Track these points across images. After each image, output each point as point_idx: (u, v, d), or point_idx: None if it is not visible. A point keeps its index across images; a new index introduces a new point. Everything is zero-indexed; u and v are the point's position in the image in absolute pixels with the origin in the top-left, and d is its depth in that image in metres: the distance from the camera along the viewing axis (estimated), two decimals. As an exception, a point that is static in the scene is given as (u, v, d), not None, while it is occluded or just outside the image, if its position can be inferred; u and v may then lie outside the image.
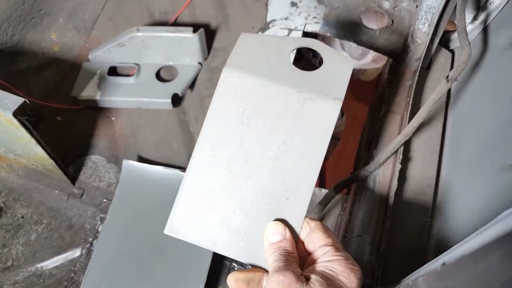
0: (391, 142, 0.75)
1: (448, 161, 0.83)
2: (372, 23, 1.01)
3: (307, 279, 0.39)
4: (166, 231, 0.46)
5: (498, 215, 0.60)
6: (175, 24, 1.13)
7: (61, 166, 0.90)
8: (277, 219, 0.45)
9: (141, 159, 0.98)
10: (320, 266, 0.40)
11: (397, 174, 0.74)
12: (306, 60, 1.36)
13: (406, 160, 0.79)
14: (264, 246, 0.44)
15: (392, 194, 0.73)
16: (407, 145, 0.80)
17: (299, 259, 0.43)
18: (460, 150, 0.81)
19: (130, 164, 0.91)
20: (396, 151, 0.75)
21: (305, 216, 0.45)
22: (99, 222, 0.92)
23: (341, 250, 0.42)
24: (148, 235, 0.87)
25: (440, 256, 0.36)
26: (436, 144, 0.83)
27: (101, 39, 1.11)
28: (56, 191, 0.95)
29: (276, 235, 0.44)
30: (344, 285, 0.39)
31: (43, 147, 0.83)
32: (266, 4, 1.06)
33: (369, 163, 0.78)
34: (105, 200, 0.94)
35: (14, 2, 0.99)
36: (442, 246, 0.70)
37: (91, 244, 0.90)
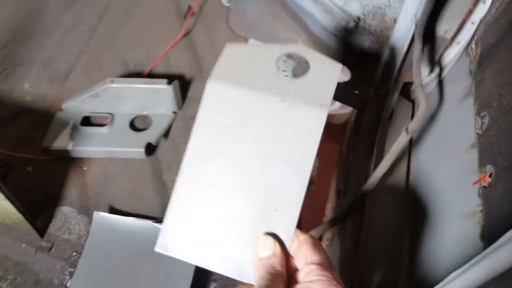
0: (358, 190, 0.78)
1: (413, 208, 0.86)
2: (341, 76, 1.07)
3: None
4: (156, 249, 0.45)
5: (458, 262, 0.62)
6: (150, 75, 1.16)
7: (29, 220, 0.88)
8: (267, 233, 0.43)
9: (113, 210, 0.97)
10: (300, 287, 0.38)
11: (365, 222, 0.76)
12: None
13: (373, 207, 0.81)
14: (253, 261, 0.42)
15: (361, 243, 0.75)
16: (373, 192, 0.84)
17: (287, 276, 0.41)
18: (423, 198, 0.85)
19: (101, 216, 0.90)
20: (362, 200, 0.78)
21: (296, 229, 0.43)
22: (68, 277, 0.89)
23: (327, 270, 0.39)
24: (119, 289, 0.85)
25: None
26: (401, 191, 0.87)
27: (75, 89, 1.12)
28: (24, 245, 0.92)
29: (266, 250, 0.41)
30: None
31: (11, 202, 0.81)
32: (238, 57, 1.11)
33: (337, 211, 0.80)
34: (74, 253, 0.92)
35: (-13, 54, 1.00)
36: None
37: (59, 301, 0.86)
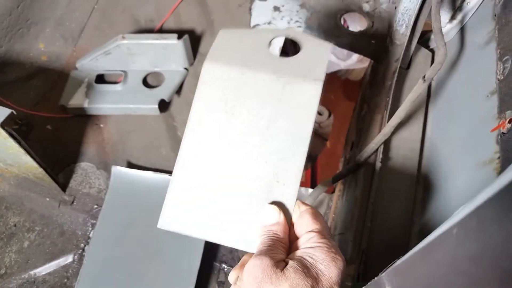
0: (371, 141, 0.77)
1: (429, 158, 0.85)
2: (354, 25, 1.02)
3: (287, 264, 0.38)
4: (159, 225, 0.46)
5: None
6: (161, 31, 1.15)
7: (51, 174, 0.91)
8: (272, 202, 0.45)
9: (130, 165, 0.99)
10: (300, 252, 0.39)
11: (377, 173, 0.76)
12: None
13: (386, 158, 0.80)
14: (258, 229, 0.44)
15: (373, 193, 0.75)
16: (387, 144, 0.82)
17: (288, 244, 0.42)
18: (439, 148, 0.83)
19: (119, 170, 0.93)
20: (375, 151, 0.77)
21: (297, 199, 0.44)
22: (90, 228, 0.94)
23: (326, 237, 0.40)
24: (138, 240, 0.88)
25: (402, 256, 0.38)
26: (417, 142, 0.85)
27: (88, 48, 1.12)
28: (47, 199, 0.96)
29: (270, 218, 0.43)
30: (322, 274, 0.37)
31: (32, 157, 0.84)
32: (250, 9, 1.08)
33: (351, 163, 0.80)
34: (95, 206, 0.96)
35: (0, 13, 1.00)
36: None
37: (83, 250, 0.91)
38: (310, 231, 0.41)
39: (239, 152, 0.47)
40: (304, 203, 0.44)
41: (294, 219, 0.44)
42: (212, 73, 0.48)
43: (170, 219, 0.46)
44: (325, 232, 0.41)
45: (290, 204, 0.44)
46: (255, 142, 0.46)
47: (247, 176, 0.46)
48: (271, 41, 0.51)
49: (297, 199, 0.45)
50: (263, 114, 0.47)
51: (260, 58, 0.49)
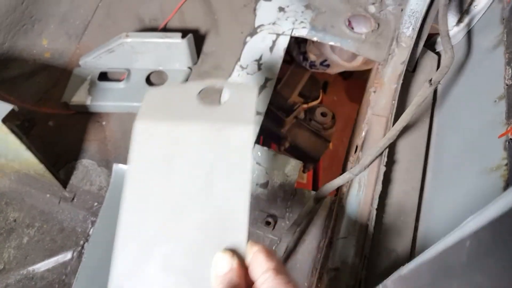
0: (376, 145, 0.76)
1: (434, 163, 0.84)
2: (360, 27, 1.01)
3: None
4: None
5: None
6: (165, 29, 1.14)
7: (52, 171, 0.91)
8: (223, 250, 0.44)
9: (132, 163, 0.99)
10: None
11: (381, 177, 0.75)
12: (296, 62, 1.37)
13: (391, 162, 0.80)
14: (211, 279, 0.43)
15: (376, 197, 0.74)
16: (392, 148, 0.82)
17: (246, 287, 0.42)
18: (445, 152, 0.83)
19: (120, 168, 0.92)
20: (380, 154, 0.76)
21: (249, 240, 0.44)
22: (90, 226, 0.93)
23: (282, 273, 0.41)
24: (138, 239, 0.88)
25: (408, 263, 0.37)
26: (422, 146, 0.84)
27: (92, 45, 1.11)
28: (48, 195, 0.96)
29: (223, 266, 0.42)
30: None
31: (33, 153, 0.84)
32: (254, 9, 1.07)
33: (354, 166, 0.79)
34: (96, 203, 0.95)
35: (5, 10, 1.00)
36: (426, 249, 0.71)
37: (82, 247, 0.91)
38: (265, 271, 0.41)
39: (183, 204, 0.46)
40: (255, 243, 0.44)
41: (248, 260, 0.43)
42: (146, 131, 0.49)
43: (120, 286, 0.45)
44: (280, 268, 0.41)
45: (241, 247, 0.44)
46: (198, 191, 0.46)
47: (195, 228, 0.45)
48: (199, 92, 0.52)
49: (249, 240, 0.44)
50: (202, 163, 0.47)
51: (191, 110, 0.50)
